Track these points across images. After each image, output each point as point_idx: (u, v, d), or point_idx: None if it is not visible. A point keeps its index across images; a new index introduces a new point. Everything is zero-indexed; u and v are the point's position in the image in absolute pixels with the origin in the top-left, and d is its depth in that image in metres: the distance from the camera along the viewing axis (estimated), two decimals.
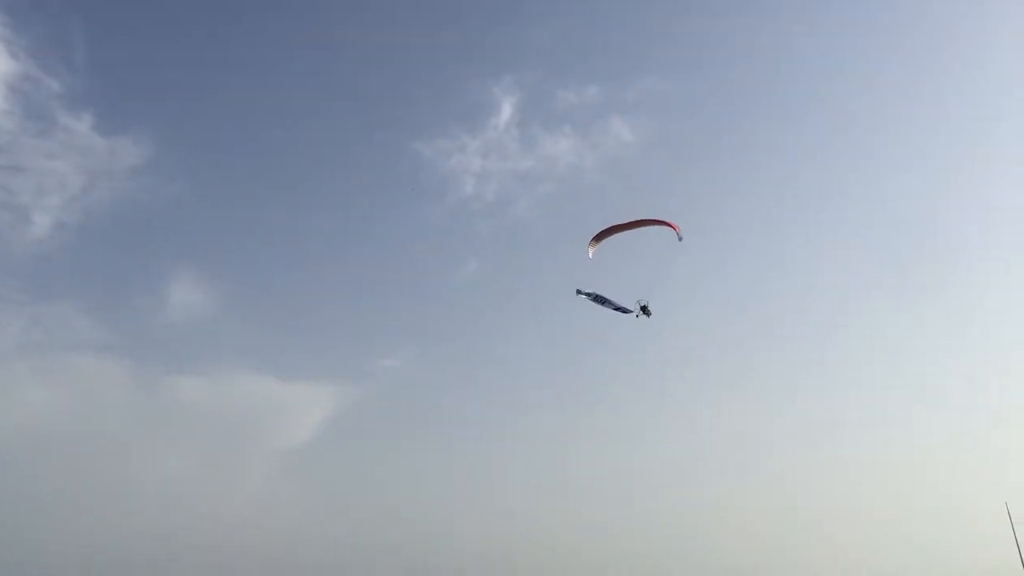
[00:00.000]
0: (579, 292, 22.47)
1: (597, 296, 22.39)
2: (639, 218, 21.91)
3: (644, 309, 22.29)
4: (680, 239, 21.44)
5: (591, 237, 21.50)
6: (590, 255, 22.03)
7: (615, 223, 21.55)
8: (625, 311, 22.34)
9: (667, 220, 21.58)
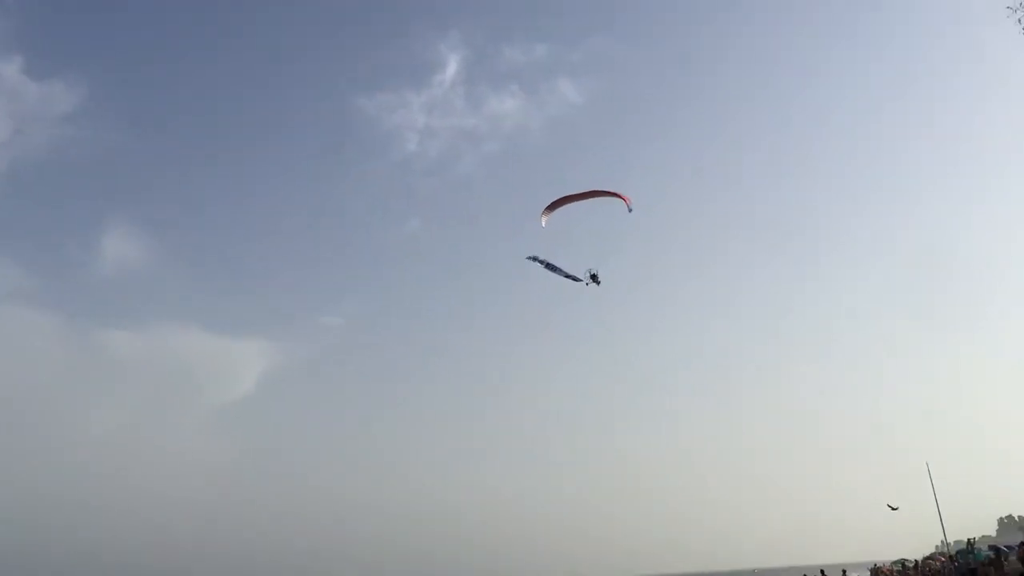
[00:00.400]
0: (531, 258, 22.78)
1: (549, 264, 22.59)
2: (591, 189, 22.34)
3: (594, 277, 22.72)
4: (630, 210, 21.82)
5: (544, 207, 21.60)
6: (543, 224, 22.36)
7: (568, 193, 21.95)
8: (575, 279, 22.80)
9: (618, 192, 22.13)
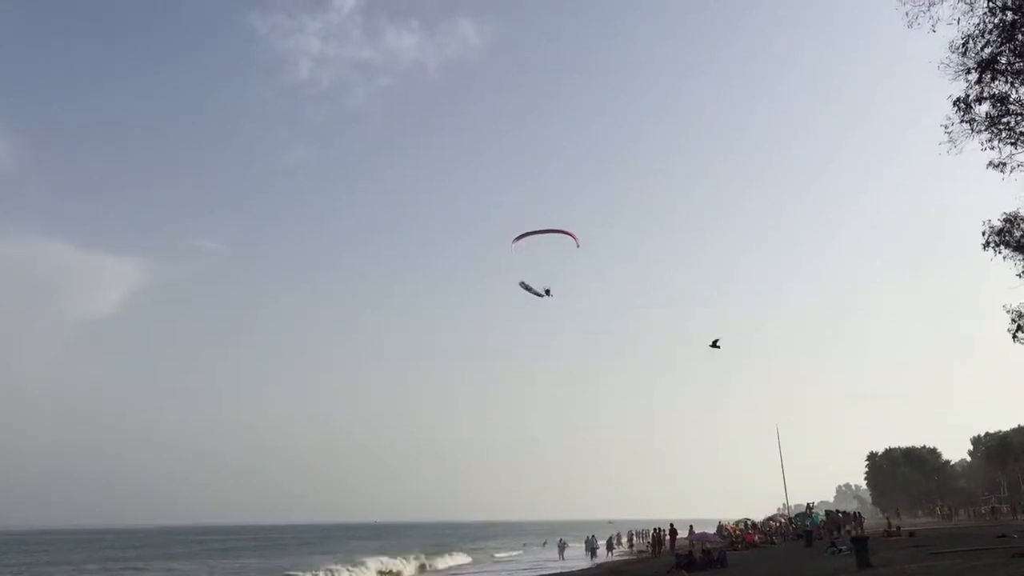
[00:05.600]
0: (521, 284, 29.23)
1: (527, 286, 29.26)
2: (551, 228, 30.31)
3: (547, 292, 29.39)
4: (578, 246, 29.64)
5: (514, 238, 29.50)
6: (512, 250, 29.69)
7: (530, 230, 29.83)
8: (539, 295, 29.47)
9: (570, 231, 29.98)
